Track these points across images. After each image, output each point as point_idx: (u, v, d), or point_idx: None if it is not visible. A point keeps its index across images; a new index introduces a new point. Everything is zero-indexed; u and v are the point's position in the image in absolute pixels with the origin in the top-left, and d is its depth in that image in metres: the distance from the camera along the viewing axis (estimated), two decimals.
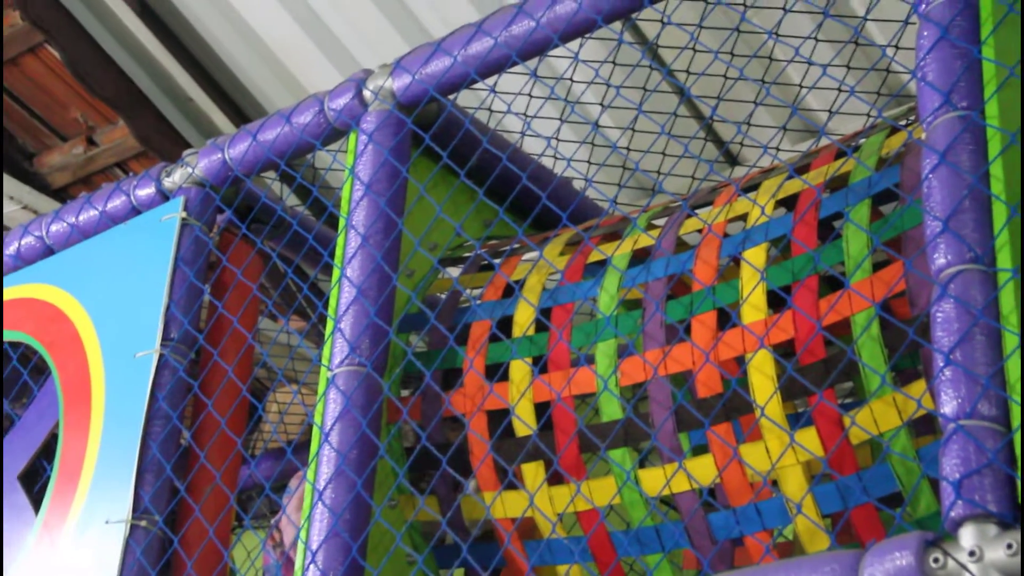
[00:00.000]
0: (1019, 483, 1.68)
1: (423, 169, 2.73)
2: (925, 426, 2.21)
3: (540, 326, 2.53)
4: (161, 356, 2.75)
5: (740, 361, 2.27)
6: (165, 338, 2.78)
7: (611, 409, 2.35)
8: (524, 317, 2.53)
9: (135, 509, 2.61)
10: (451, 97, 2.71)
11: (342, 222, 2.64)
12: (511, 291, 2.64)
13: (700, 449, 2.35)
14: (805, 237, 2.22)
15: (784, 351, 2.22)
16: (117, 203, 3.08)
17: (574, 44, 2.53)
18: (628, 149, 3.08)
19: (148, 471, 2.65)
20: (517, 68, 2.58)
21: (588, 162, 3.13)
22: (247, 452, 3.65)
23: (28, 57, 4.92)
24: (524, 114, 2.69)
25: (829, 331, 2.13)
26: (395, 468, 2.44)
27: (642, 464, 2.32)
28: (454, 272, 2.81)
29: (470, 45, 2.60)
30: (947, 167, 1.88)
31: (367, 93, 2.72)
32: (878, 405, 2.05)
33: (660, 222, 2.59)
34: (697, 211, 2.52)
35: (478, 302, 2.62)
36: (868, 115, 3.10)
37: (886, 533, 2.05)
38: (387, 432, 2.49)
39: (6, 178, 5.08)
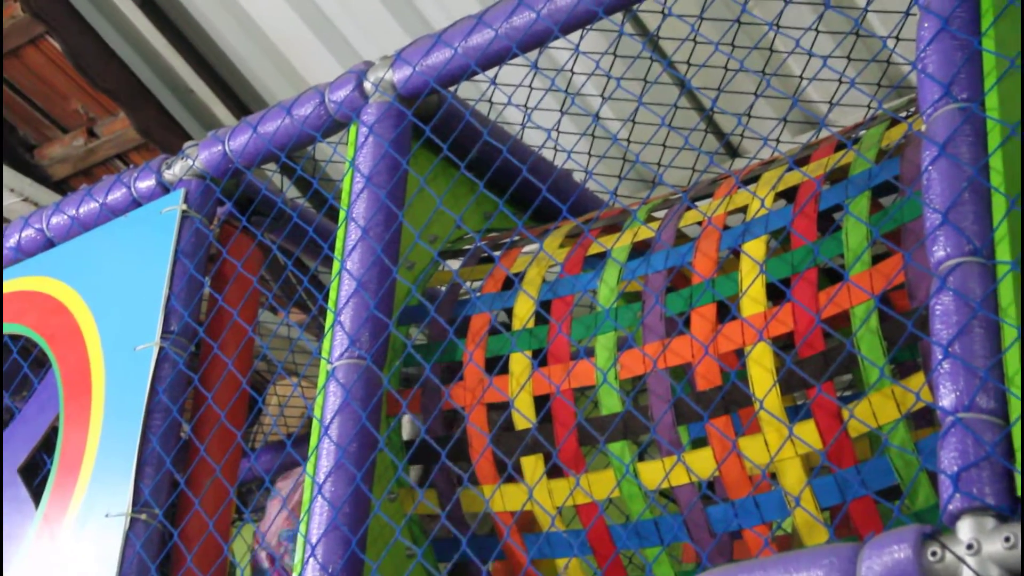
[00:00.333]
0: (1017, 476, 1.68)
1: (423, 161, 2.73)
2: (925, 418, 2.21)
3: (540, 318, 2.52)
4: (161, 349, 2.75)
5: (739, 354, 2.27)
6: (165, 331, 2.78)
7: (610, 402, 2.35)
8: (524, 310, 2.52)
9: (135, 502, 2.61)
10: (452, 89, 2.70)
11: (342, 214, 2.64)
12: (511, 283, 2.64)
13: (699, 442, 2.34)
14: (805, 229, 2.21)
15: (783, 344, 2.22)
16: (117, 195, 3.08)
17: (575, 36, 2.52)
18: (628, 141, 3.08)
19: (148, 464, 2.65)
20: (518, 60, 2.57)
21: (588, 154, 3.12)
22: (247, 445, 3.65)
23: (29, 48, 4.92)
24: (525, 106, 2.69)
25: (828, 324, 2.13)
26: (395, 461, 2.44)
27: (641, 457, 2.32)
28: (454, 264, 2.81)
29: (471, 37, 2.59)
30: (947, 159, 1.87)
31: (368, 85, 2.72)
32: (877, 398, 2.05)
33: (660, 214, 2.59)
34: (697, 203, 2.51)
35: (478, 295, 2.62)
36: (869, 107, 3.10)
37: (884, 526, 2.05)
38: (387, 425, 2.49)
39: (6, 170, 5.08)
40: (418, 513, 2.52)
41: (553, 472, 2.42)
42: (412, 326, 2.68)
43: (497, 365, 2.48)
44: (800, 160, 2.38)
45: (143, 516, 2.60)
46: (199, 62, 4.87)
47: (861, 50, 3.70)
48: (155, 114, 4.95)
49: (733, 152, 4.31)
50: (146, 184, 3.04)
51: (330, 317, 2.53)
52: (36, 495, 2.79)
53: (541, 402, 2.44)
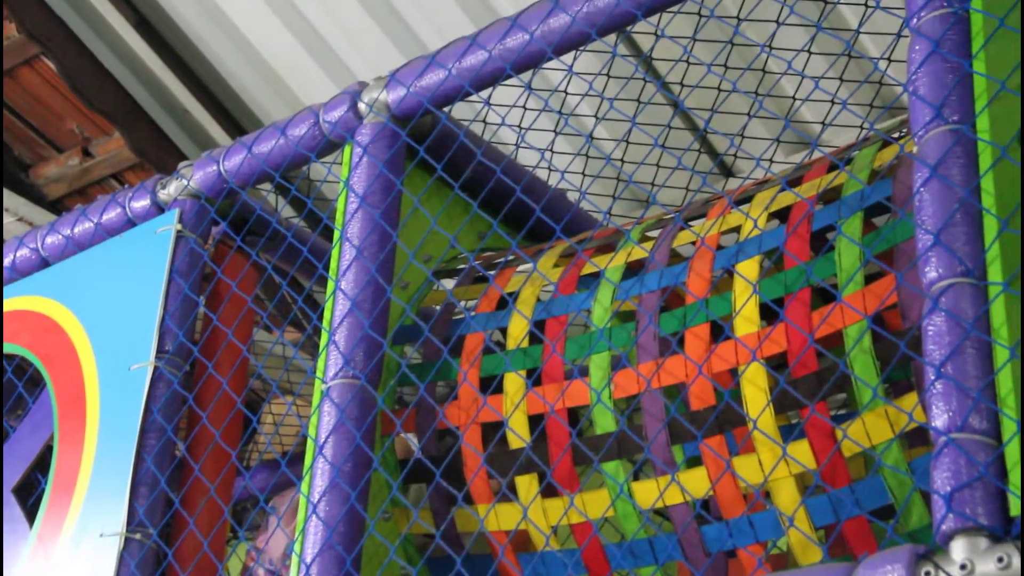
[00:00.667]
0: (1011, 496, 1.68)
1: (418, 181, 2.73)
2: (919, 437, 2.22)
3: (534, 338, 2.53)
4: (156, 368, 2.75)
5: (733, 373, 2.28)
6: (160, 350, 2.78)
7: (605, 421, 2.35)
8: (518, 329, 2.53)
9: (129, 522, 2.61)
10: (445, 109, 2.71)
11: (337, 234, 2.65)
12: (505, 303, 2.64)
13: (693, 461, 2.35)
14: (798, 250, 2.22)
15: (777, 363, 2.23)
16: (112, 215, 3.08)
17: (568, 57, 2.53)
18: (622, 161, 3.09)
19: (143, 484, 2.65)
20: (511, 80, 2.58)
21: (582, 174, 3.13)
22: (242, 464, 3.65)
23: (24, 69, 4.92)
24: (518, 126, 2.70)
25: (821, 343, 2.13)
26: (389, 480, 2.44)
27: (635, 476, 2.32)
28: (448, 284, 2.81)
29: (464, 58, 2.60)
30: (938, 180, 1.88)
31: (362, 106, 2.73)
32: (870, 417, 2.06)
33: (654, 234, 2.59)
34: (691, 223, 2.52)
35: (472, 314, 2.63)
36: (861, 127, 3.11)
37: (878, 546, 2.05)
38: (381, 444, 2.50)
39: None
40: (413, 532, 2.52)
41: (548, 491, 2.42)
42: (407, 345, 2.69)
43: (491, 385, 2.48)
44: (793, 181, 2.39)
45: (138, 536, 2.60)
46: (194, 82, 4.87)
47: (853, 71, 3.71)
48: (150, 134, 4.95)
49: (727, 172, 4.32)
50: (141, 204, 3.04)
51: (324, 336, 2.54)
52: (31, 515, 2.79)
53: (535, 421, 2.44)
